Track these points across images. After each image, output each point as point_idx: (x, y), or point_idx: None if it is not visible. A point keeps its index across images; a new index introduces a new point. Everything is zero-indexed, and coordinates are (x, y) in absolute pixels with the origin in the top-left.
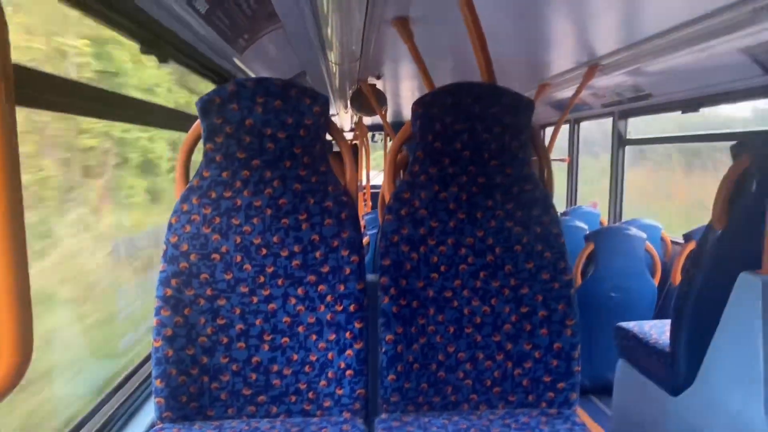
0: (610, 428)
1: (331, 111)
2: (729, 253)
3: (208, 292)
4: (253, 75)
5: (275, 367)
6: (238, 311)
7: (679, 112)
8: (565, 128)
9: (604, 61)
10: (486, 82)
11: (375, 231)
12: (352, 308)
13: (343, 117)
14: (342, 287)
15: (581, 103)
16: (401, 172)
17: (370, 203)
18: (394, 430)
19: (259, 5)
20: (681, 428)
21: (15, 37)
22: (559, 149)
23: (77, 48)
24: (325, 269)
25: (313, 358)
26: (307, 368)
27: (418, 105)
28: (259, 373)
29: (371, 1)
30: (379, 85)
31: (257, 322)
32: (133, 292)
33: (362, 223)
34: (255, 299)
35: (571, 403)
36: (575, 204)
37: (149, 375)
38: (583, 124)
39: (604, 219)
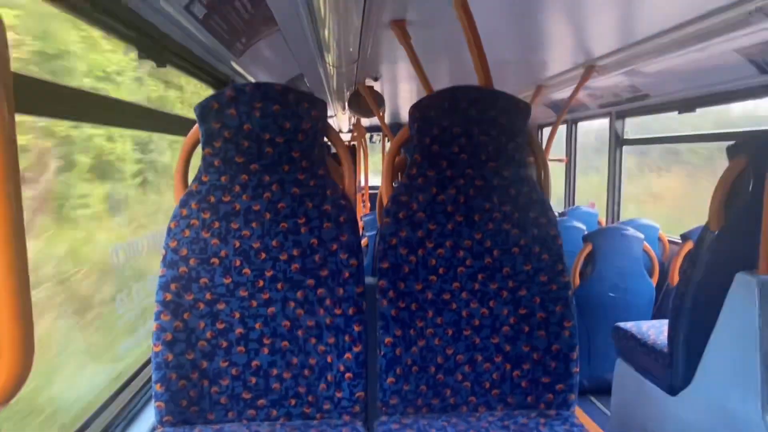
0: (608, 428)
1: (329, 112)
2: (726, 253)
3: (208, 296)
4: (251, 78)
5: (275, 371)
6: (237, 315)
7: (678, 113)
8: (562, 129)
9: (601, 62)
10: (483, 84)
11: (374, 233)
12: (351, 311)
13: (341, 118)
14: (341, 291)
15: (579, 104)
16: (399, 174)
17: (368, 204)
18: None
19: (257, 9)
20: (679, 427)
21: None
22: (561, 149)
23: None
24: (324, 273)
25: (312, 361)
26: (306, 372)
27: (415, 108)
28: (258, 376)
29: (368, 4)
30: (376, 86)
31: (257, 326)
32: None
33: (360, 224)
34: (254, 303)
35: (570, 404)
36: (573, 204)
37: (149, 379)
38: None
39: (602, 219)
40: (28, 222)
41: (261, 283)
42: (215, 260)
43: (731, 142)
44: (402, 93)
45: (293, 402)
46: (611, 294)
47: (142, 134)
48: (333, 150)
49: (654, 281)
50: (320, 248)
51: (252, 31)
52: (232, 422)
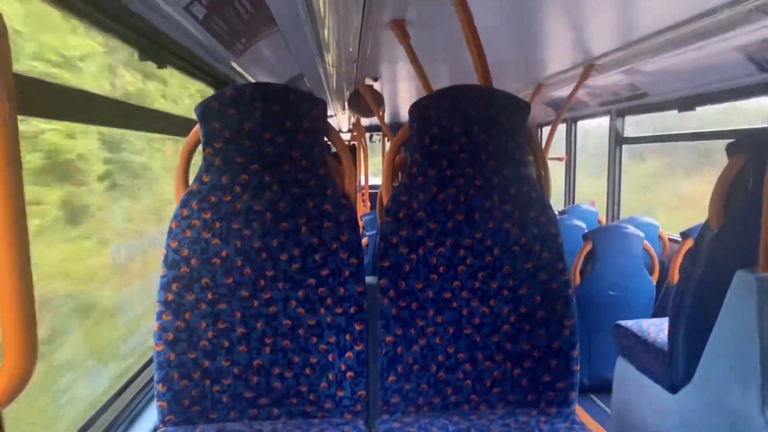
0: (609, 426)
1: (329, 112)
2: (725, 251)
3: (209, 296)
4: (250, 79)
5: (276, 370)
6: (238, 315)
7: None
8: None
9: (601, 61)
10: (482, 83)
11: (374, 232)
12: (352, 310)
13: (340, 118)
14: (342, 290)
15: (578, 103)
16: (399, 174)
17: (368, 204)
18: (394, 431)
19: (257, 9)
20: (679, 425)
21: None
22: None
23: None
24: (325, 272)
25: (313, 360)
26: (307, 371)
27: (415, 108)
28: (260, 376)
29: (368, 4)
30: (376, 86)
31: (258, 325)
32: None
33: (361, 224)
34: (256, 303)
35: (571, 402)
36: (573, 203)
37: (151, 379)
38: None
39: (602, 218)
40: None
41: (262, 282)
42: (216, 260)
43: (731, 141)
44: (402, 93)
45: (295, 401)
46: (611, 292)
47: (113, 131)
48: (333, 149)
49: (654, 279)
50: (321, 247)
51: (252, 31)
52: (234, 421)
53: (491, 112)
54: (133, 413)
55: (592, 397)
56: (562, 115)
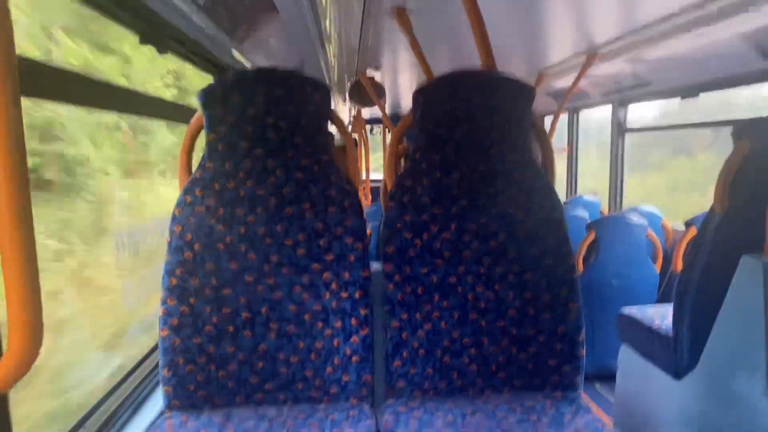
0: (613, 413)
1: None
2: (730, 236)
3: (214, 281)
4: (250, 67)
5: (282, 355)
6: (243, 300)
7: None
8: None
9: (603, 49)
10: (486, 66)
11: (376, 223)
12: (357, 295)
13: (341, 110)
14: (347, 274)
15: (580, 92)
16: (402, 162)
17: (369, 197)
18: (400, 415)
19: None
20: (684, 411)
21: None
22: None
23: None
24: (330, 257)
25: (319, 345)
26: (313, 355)
27: (419, 93)
28: (265, 361)
29: None
30: (377, 76)
31: (263, 310)
32: None
33: None
34: (260, 288)
35: (576, 386)
36: (575, 194)
37: (157, 364)
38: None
39: (605, 208)
40: None
41: (267, 267)
42: (221, 245)
43: (737, 124)
44: (403, 83)
45: (300, 386)
46: (615, 281)
47: (46, 116)
48: (335, 141)
49: (657, 268)
50: (325, 233)
51: (253, 18)
52: (240, 406)
53: (495, 97)
54: (139, 398)
55: (596, 384)
56: (564, 104)
